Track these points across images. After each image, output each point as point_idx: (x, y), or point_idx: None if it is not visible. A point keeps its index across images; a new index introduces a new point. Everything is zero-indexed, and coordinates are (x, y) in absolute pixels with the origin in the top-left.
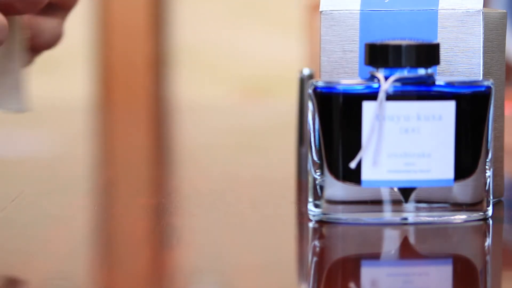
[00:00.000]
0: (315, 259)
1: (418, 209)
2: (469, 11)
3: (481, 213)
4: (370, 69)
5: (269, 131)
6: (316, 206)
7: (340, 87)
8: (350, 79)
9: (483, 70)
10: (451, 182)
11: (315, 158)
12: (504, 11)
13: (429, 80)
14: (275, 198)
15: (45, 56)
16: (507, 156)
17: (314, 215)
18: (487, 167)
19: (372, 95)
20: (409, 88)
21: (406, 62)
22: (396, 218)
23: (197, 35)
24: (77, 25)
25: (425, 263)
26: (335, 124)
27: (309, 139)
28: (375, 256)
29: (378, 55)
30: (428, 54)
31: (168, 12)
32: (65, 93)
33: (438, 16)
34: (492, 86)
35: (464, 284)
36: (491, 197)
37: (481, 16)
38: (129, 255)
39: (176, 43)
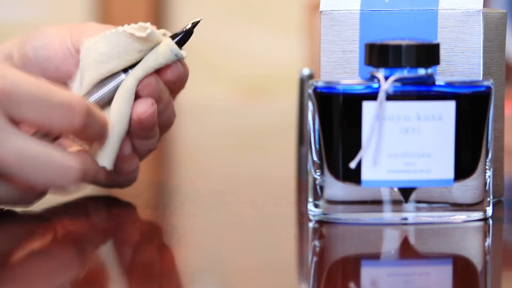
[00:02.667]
0: (315, 259)
1: (418, 209)
2: (469, 11)
3: (481, 213)
4: (370, 69)
5: (269, 131)
6: (316, 206)
7: (340, 87)
8: (350, 79)
9: (483, 70)
10: (451, 182)
11: (315, 158)
12: (504, 11)
13: (429, 80)
14: (275, 198)
15: None
16: (507, 156)
17: (314, 215)
18: (487, 167)
19: (372, 95)
20: (409, 88)
21: (406, 62)
22: (396, 218)
23: (197, 35)
24: None
25: (425, 263)
26: (335, 124)
27: (309, 139)
28: (375, 256)
29: (378, 55)
30: (428, 54)
31: (168, 12)
32: None
33: (438, 16)
34: (492, 86)
35: (464, 284)
36: (491, 197)
37: (481, 16)
38: (129, 255)
39: None
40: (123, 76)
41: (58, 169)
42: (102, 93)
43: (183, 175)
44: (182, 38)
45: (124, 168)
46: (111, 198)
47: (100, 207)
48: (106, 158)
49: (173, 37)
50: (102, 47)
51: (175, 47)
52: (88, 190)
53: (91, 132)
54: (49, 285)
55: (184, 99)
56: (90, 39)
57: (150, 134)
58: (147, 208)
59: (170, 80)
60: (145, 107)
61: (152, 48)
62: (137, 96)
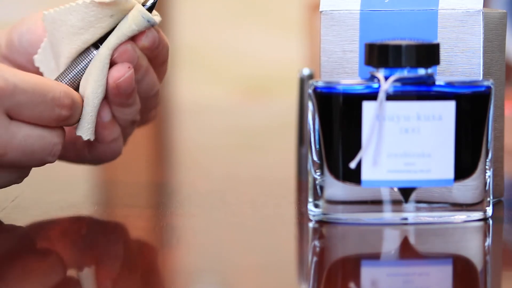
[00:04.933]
0: (315, 259)
1: (418, 209)
2: (469, 11)
3: (481, 213)
4: (370, 69)
5: (269, 131)
6: (316, 206)
7: (340, 87)
8: (350, 79)
9: (483, 70)
10: (451, 182)
11: (315, 158)
12: (504, 11)
13: (429, 80)
14: (275, 198)
15: None
16: (507, 156)
17: (314, 215)
18: (487, 167)
19: (372, 95)
20: (409, 88)
21: (406, 62)
22: (396, 218)
23: (197, 35)
24: None
25: (425, 263)
26: (335, 124)
27: (309, 139)
28: (375, 256)
29: (378, 55)
30: (428, 54)
31: (168, 12)
32: None
33: (438, 16)
34: (492, 86)
35: (464, 284)
36: (491, 197)
37: (481, 16)
38: (129, 255)
39: (176, 43)
40: (94, 52)
41: (48, 148)
42: (76, 72)
43: (183, 175)
44: (152, 4)
45: (105, 136)
46: (111, 197)
47: (100, 207)
48: (82, 128)
49: (143, 4)
50: (71, 20)
51: (147, 13)
52: (88, 189)
53: (73, 121)
54: (45, 284)
55: (184, 99)
56: (50, 11)
57: (129, 101)
58: (147, 208)
59: (146, 47)
60: (121, 71)
61: (123, 11)
62: (113, 64)
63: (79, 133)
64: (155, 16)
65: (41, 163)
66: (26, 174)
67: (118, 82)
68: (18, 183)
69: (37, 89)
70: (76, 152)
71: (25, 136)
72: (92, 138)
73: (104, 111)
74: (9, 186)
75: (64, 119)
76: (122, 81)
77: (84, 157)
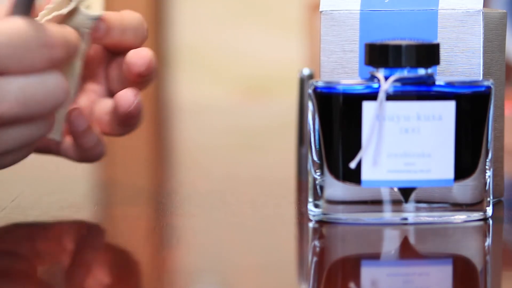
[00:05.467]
0: (315, 259)
1: (418, 209)
2: (469, 11)
3: (481, 213)
4: (370, 69)
5: (269, 131)
6: (316, 206)
7: (340, 87)
8: (350, 79)
9: (483, 70)
10: (451, 182)
11: (315, 158)
12: (504, 11)
13: (429, 80)
14: (275, 198)
15: None
16: (507, 156)
17: (314, 215)
18: (487, 167)
19: (372, 95)
20: (409, 88)
21: (406, 62)
22: (396, 218)
23: (197, 35)
24: None
25: (425, 263)
26: (335, 124)
27: (309, 139)
28: (375, 256)
29: (378, 55)
30: (428, 54)
31: (168, 12)
32: None
33: (438, 16)
34: (492, 86)
35: (464, 284)
36: (491, 197)
37: (481, 16)
38: (129, 255)
39: (176, 43)
40: None
41: (57, 88)
42: None
43: (183, 175)
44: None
45: (83, 144)
46: (111, 197)
47: (100, 207)
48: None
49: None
50: None
51: (89, 13)
52: (88, 189)
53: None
54: (45, 283)
55: (184, 99)
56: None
57: (136, 122)
58: (147, 208)
59: (101, 37)
60: (130, 101)
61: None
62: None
63: (51, 136)
64: (96, 11)
65: (55, 107)
66: (50, 124)
67: (130, 110)
68: (46, 134)
69: (16, 39)
70: (62, 152)
71: (20, 90)
72: (59, 139)
73: (79, 120)
74: (38, 139)
75: (60, 61)
76: (133, 108)
77: (70, 157)
